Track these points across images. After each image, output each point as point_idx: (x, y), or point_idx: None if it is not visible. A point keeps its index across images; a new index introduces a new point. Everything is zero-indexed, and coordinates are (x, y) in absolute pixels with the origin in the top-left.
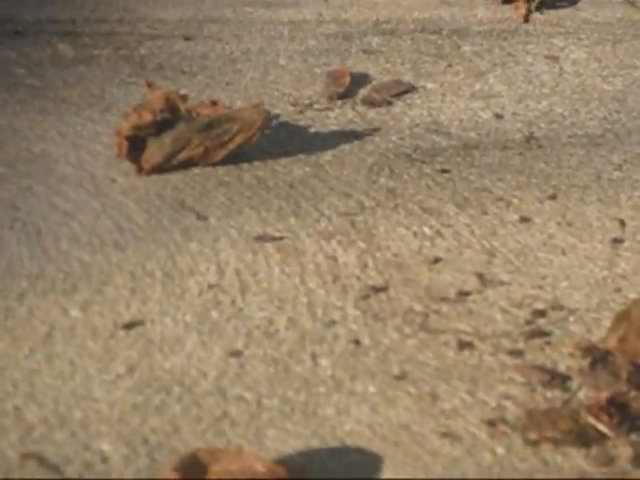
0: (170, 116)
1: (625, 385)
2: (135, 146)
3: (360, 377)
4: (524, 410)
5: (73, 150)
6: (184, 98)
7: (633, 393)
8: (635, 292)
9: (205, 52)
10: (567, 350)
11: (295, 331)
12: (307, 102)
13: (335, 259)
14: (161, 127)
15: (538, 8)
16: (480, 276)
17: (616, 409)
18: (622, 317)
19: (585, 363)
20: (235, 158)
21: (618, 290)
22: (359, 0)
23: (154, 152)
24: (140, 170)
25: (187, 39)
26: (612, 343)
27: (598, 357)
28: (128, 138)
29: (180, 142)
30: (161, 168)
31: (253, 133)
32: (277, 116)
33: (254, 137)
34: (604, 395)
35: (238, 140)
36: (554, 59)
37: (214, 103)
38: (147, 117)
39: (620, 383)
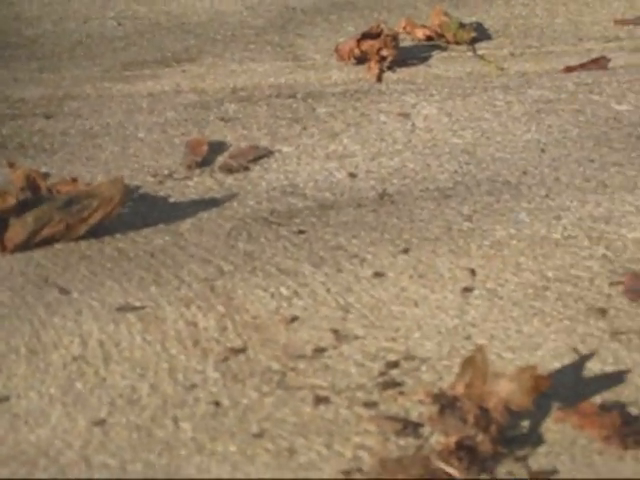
0: (31, 195)
1: (473, 429)
2: None
3: (220, 438)
4: (378, 459)
5: None
6: (44, 176)
7: (481, 436)
8: (484, 338)
9: (65, 129)
10: (419, 398)
11: (157, 397)
12: (166, 172)
13: (195, 324)
14: (23, 206)
15: (390, 67)
16: (335, 332)
17: (465, 452)
18: (468, 363)
19: (435, 410)
20: (96, 232)
21: (468, 337)
22: (216, 69)
23: (17, 231)
24: (3, 249)
25: (48, 117)
26: (459, 389)
27: (446, 403)
28: None
29: (42, 220)
30: (24, 246)
31: (112, 208)
32: (137, 188)
33: (114, 211)
34: (453, 439)
35: (98, 215)
36: (406, 116)
37: (74, 180)
38: (9, 200)
39: (468, 427)
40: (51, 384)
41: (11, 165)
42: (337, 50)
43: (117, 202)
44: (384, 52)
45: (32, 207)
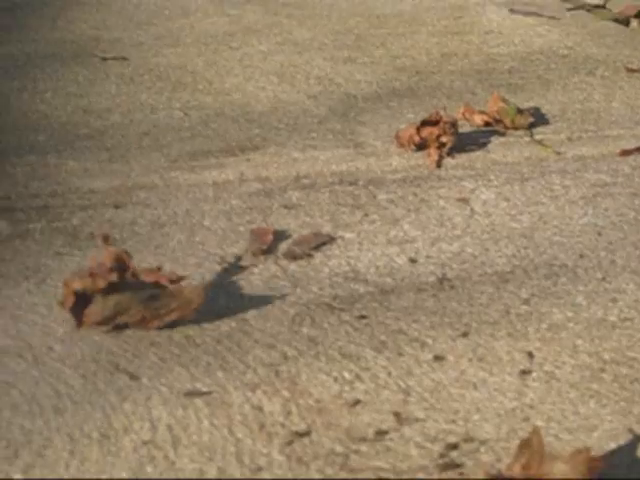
0: (118, 278)
1: None
2: (79, 302)
3: None
4: None
5: (12, 322)
6: (131, 258)
7: None
8: (542, 420)
9: (134, 218)
10: (478, 479)
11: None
12: (232, 260)
13: (261, 408)
14: (109, 287)
15: (449, 153)
16: (397, 415)
17: None
18: (524, 445)
19: None
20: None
21: (526, 419)
22: (279, 157)
23: (97, 311)
24: (80, 324)
25: (117, 207)
26: (516, 470)
27: None
28: (76, 294)
29: (122, 307)
30: (99, 325)
31: (189, 312)
32: (204, 275)
33: (189, 315)
34: None
35: (174, 316)
36: (465, 201)
37: (158, 269)
38: (100, 283)
39: None
40: (122, 468)
41: (105, 239)
42: (397, 137)
43: (194, 307)
44: (443, 139)
45: (117, 291)
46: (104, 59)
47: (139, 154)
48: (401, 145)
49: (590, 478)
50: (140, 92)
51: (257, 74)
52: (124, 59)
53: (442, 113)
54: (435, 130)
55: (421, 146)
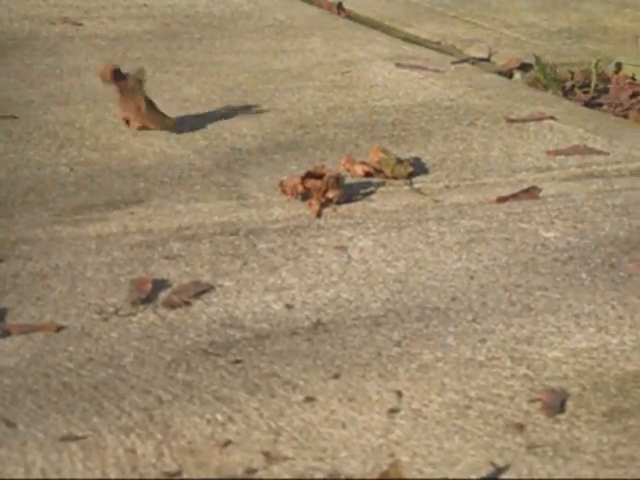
0: None
1: None
2: None
3: None
4: None
5: None
6: None
7: None
8: (407, 455)
9: (16, 271)
10: None
11: None
12: (111, 310)
13: (134, 451)
14: None
15: (330, 202)
16: (266, 454)
17: None
18: (383, 477)
19: None
20: (39, 362)
21: (392, 455)
22: (162, 210)
23: None
24: None
25: (0, 261)
26: None
27: None
28: None
29: None
30: None
31: None
32: (83, 325)
33: None
34: None
35: None
36: (343, 249)
37: None
38: None
39: None
40: None
41: None
42: (282, 185)
43: None
44: (329, 194)
45: None
46: None
47: (24, 209)
48: (285, 193)
49: None
50: (28, 149)
51: (144, 130)
52: (14, 117)
53: (325, 169)
54: (319, 183)
55: (305, 196)
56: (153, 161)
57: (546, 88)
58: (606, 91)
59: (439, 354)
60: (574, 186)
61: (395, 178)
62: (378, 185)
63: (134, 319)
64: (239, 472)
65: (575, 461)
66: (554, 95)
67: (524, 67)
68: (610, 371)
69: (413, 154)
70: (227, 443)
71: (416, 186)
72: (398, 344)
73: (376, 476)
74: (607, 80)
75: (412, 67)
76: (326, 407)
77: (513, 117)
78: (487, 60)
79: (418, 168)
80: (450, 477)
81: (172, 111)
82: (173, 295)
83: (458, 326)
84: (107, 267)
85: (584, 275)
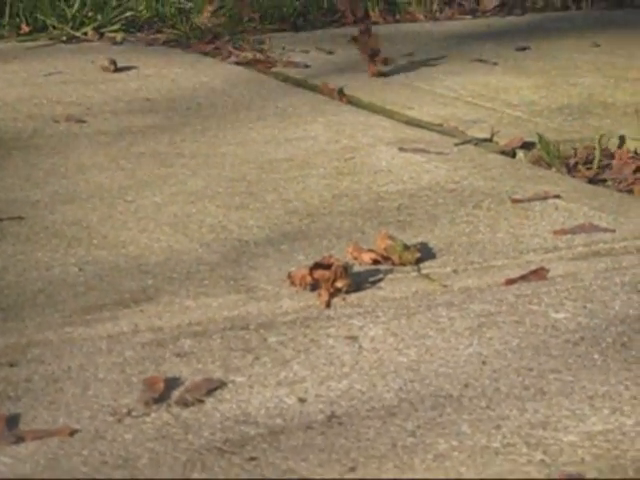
0: None
1: None
2: None
3: None
4: None
5: None
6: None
7: None
8: None
9: (29, 375)
10: None
11: None
12: (125, 411)
13: None
14: None
15: (339, 292)
16: None
17: None
18: None
19: None
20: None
21: None
22: (172, 307)
23: None
24: None
25: (12, 365)
26: None
27: None
28: None
29: None
30: None
31: None
32: (97, 428)
33: None
34: None
35: None
36: (354, 339)
37: None
38: None
39: None
40: None
41: None
42: (290, 276)
43: None
44: (338, 284)
45: None
46: (0, 220)
47: (34, 311)
48: (293, 285)
49: None
50: (36, 250)
51: (151, 226)
52: (20, 218)
53: (333, 259)
54: (327, 273)
55: (314, 286)
56: (160, 257)
57: (549, 166)
58: (609, 167)
59: (454, 443)
60: (582, 265)
61: (403, 264)
62: (386, 272)
63: (148, 419)
64: None
65: None
66: (558, 173)
67: (527, 145)
68: (627, 453)
69: (420, 239)
70: None
71: (424, 272)
72: (413, 434)
73: None
74: (610, 155)
75: (415, 150)
76: None
77: (518, 197)
78: (490, 140)
79: (425, 253)
80: None
81: (178, 205)
82: (186, 393)
83: (472, 413)
84: (119, 367)
85: (596, 356)
